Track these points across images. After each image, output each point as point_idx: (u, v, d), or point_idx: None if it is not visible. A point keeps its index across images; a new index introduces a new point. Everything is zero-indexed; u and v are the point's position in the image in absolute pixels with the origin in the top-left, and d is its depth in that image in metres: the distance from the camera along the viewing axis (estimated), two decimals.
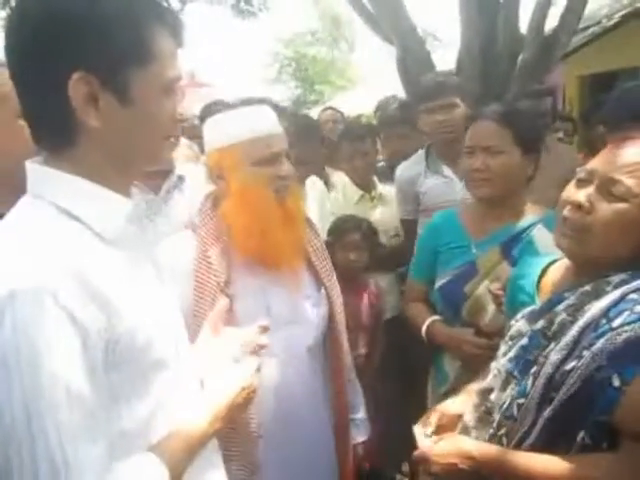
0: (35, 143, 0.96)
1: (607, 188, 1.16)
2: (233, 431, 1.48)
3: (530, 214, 1.85)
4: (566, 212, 1.21)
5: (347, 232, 2.44)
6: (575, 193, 1.21)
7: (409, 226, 2.70)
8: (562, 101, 7.42)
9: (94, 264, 0.88)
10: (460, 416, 1.38)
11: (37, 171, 0.94)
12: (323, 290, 1.71)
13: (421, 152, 2.74)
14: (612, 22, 6.40)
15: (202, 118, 3.56)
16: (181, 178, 2.06)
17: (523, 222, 1.85)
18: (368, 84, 14.40)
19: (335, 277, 1.77)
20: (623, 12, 6.43)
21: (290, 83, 26.24)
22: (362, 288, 2.49)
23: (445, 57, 8.28)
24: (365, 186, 2.93)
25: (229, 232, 1.56)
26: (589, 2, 5.57)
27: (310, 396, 1.65)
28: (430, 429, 1.37)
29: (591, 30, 6.59)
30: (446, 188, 2.54)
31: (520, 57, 5.47)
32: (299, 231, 1.64)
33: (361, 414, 1.88)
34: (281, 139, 1.58)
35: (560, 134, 4.14)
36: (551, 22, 5.54)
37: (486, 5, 5.48)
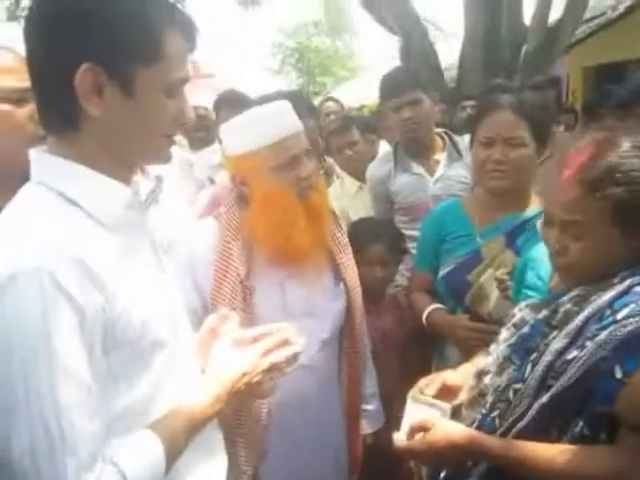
0: (42, 127, 1.00)
1: (567, 229, 1.19)
2: (241, 418, 1.53)
3: (534, 204, 1.85)
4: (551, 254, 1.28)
5: (369, 245, 2.16)
6: (547, 236, 1.26)
7: None
8: (565, 93, 7.39)
9: (91, 248, 0.92)
10: (456, 389, 1.39)
11: (40, 158, 0.99)
12: (342, 284, 1.72)
13: (389, 150, 2.71)
14: (617, 13, 6.36)
15: (217, 110, 3.57)
16: (159, 179, 2.02)
17: (527, 212, 1.85)
18: (370, 75, 14.35)
19: (356, 272, 1.77)
20: (629, 3, 6.39)
21: (292, 74, 26.16)
22: (388, 303, 2.29)
23: (447, 47, 8.25)
24: (361, 176, 2.92)
25: (253, 231, 1.58)
26: None
27: (321, 385, 1.67)
28: (427, 398, 1.38)
29: (596, 21, 6.56)
30: (417, 185, 2.51)
31: (524, 48, 5.46)
32: (323, 228, 1.64)
33: (374, 405, 1.90)
34: (300, 138, 1.56)
35: (562, 127, 4.12)
36: (555, 13, 5.51)
37: None
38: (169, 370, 1.04)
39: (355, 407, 1.79)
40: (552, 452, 1.12)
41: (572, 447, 1.12)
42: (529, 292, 1.50)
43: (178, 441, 1.00)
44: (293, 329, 1.24)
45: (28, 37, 0.95)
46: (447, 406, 1.33)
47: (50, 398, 0.83)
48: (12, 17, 9.07)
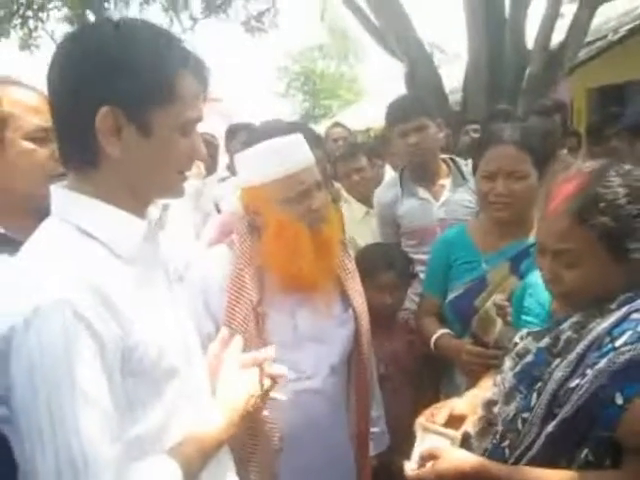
0: (62, 164, 1.05)
1: (559, 259, 1.22)
2: (254, 443, 1.56)
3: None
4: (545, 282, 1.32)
5: (379, 272, 2.16)
6: (541, 265, 1.29)
7: None
8: (570, 114, 7.44)
9: (110, 280, 0.96)
10: (464, 417, 1.41)
11: (61, 194, 1.03)
12: (351, 311, 1.75)
13: (395, 175, 2.76)
14: (618, 36, 6.44)
15: (228, 141, 3.67)
16: (165, 207, 2.03)
17: (531, 238, 1.87)
18: (376, 97, 14.47)
19: (364, 297, 1.80)
20: (630, 25, 6.47)
21: (298, 97, 26.42)
22: (399, 328, 2.29)
23: (452, 70, 8.34)
24: (367, 202, 2.97)
25: (265, 260, 1.62)
26: (595, 16, 5.61)
27: (331, 409, 1.70)
28: (436, 426, 1.39)
29: (598, 43, 6.63)
30: (423, 209, 2.55)
31: (527, 71, 5.52)
32: (333, 258, 1.68)
33: (378, 428, 1.92)
34: (312, 171, 1.61)
35: (565, 150, 4.15)
36: (557, 36, 5.58)
37: (493, 20, 5.54)
38: (183, 396, 1.07)
39: (364, 431, 1.81)
40: (556, 478, 1.14)
41: (577, 473, 1.14)
42: (529, 318, 1.52)
43: (194, 466, 1.03)
44: (272, 355, 1.27)
45: (51, 79, 1.00)
46: (456, 434, 1.35)
47: (73, 426, 0.87)
48: (24, 46, 9.26)
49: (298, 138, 1.61)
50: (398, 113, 2.55)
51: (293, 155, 1.57)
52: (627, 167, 1.20)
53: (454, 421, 1.41)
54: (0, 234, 1.29)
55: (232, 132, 3.79)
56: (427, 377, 2.25)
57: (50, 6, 8.95)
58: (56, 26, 9.33)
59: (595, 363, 1.13)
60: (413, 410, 1.91)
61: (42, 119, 1.28)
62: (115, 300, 0.94)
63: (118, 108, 0.96)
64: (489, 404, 1.33)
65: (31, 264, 0.95)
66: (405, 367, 2.21)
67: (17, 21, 8.98)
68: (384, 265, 2.19)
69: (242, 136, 3.23)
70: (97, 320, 0.90)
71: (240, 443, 1.45)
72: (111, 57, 0.95)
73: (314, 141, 1.80)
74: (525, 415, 1.22)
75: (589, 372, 1.13)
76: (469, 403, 1.46)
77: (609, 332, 1.15)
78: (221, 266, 1.64)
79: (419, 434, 1.38)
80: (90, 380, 0.89)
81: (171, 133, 1.01)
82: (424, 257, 2.27)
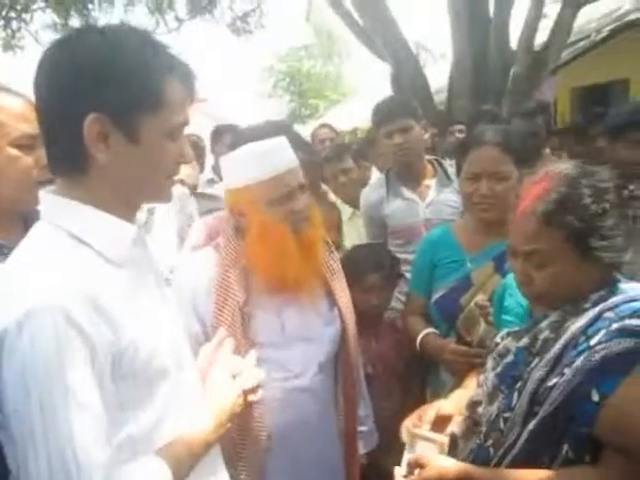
0: (50, 170, 1.05)
1: (530, 260, 1.25)
2: (243, 442, 1.58)
3: None
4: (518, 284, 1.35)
5: (367, 273, 2.18)
6: (513, 267, 1.33)
7: None
8: (553, 114, 7.50)
9: (101, 285, 0.97)
10: (451, 417, 1.44)
11: (50, 200, 1.04)
12: (336, 310, 1.77)
13: (382, 176, 2.79)
14: (601, 36, 6.51)
15: (213, 142, 3.67)
16: (151, 211, 2.01)
17: None
18: (362, 97, 14.49)
19: (349, 296, 1.82)
20: (612, 26, 6.54)
21: (284, 97, 26.38)
22: (386, 327, 2.31)
23: (437, 70, 8.40)
24: (354, 203, 2.99)
25: (250, 261, 1.64)
26: (578, 17, 5.67)
27: (320, 407, 1.72)
28: (423, 430, 1.41)
29: (581, 43, 6.70)
30: (409, 210, 2.58)
31: (511, 71, 5.57)
32: (317, 258, 1.70)
33: (367, 426, 1.95)
34: (297, 173, 1.63)
35: (547, 149, 4.20)
36: (541, 37, 5.64)
37: (477, 21, 5.59)
38: (174, 397, 1.09)
39: (351, 429, 1.83)
40: (536, 477, 1.17)
41: (554, 472, 1.17)
42: (509, 317, 1.55)
43: (184, 467, 1.05)
44: (252, 359, 1.30)
45: (38, 86, 1.00)
46: (444, 439, 1.36)
47: (66, 430, 0.88)
48: (8, 47, 9.18)
49: (282, 141, 1.63)
50: (383, 114, 2.59)
51: (277, 157, 1.59)
52: (593, 168, 1.24)
53: (441, 421, 1.43)
54: None
55: (217, 134, 3.80)
56: (414, 376, 2.28)
57: (34, 7, 8.88)
58: (40, 27, 9.26)
59: (572, 362, 1.16)
60: (401, 409, 1.94)
61: (29, 126, 1.28)
62: (106, 305, 0.95)
63: (105, 115, 0.97)
64: (473, 405, 1.36)
65: (23, 269, 0.96)
66: (392, 367, 2.24)
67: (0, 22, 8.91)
68: (370, 267, 2.21)
69: (227, 138, 3.25)
70: (89, 325, 0.91)
71: (229, 442, 1.47)
72: (98, 65, 0.96)
73: (298, 143, 1.82)
74: (507, 415, 1.24)
75: (567, 371, 1.16)
76: (455, 404, 1.48)
77: (584, 331, 1.18)
78: (207, 268, 1.65)
79: (407, 440, 1.40)
80: (82, 384, 0.90)
81: (159, 139, 1.02)
82: (410, 257, 2.30)
